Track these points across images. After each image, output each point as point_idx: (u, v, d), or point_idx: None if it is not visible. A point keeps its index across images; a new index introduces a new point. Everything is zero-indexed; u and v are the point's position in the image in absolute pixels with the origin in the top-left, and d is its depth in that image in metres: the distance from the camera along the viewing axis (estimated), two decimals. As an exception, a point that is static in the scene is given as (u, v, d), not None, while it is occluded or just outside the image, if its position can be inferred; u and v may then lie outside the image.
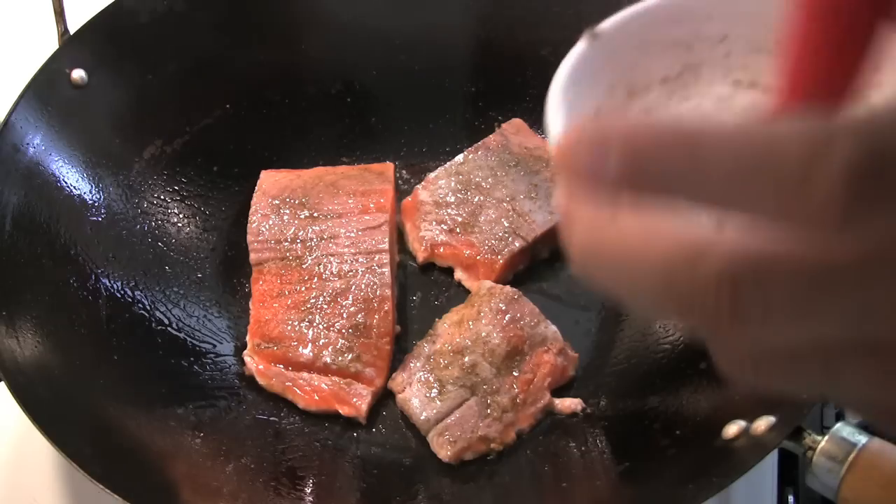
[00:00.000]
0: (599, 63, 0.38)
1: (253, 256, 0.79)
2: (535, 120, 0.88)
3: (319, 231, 0.80)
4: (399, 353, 0.77)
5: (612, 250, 0.28)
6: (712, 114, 0.40)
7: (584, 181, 0.28)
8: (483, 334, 0.73)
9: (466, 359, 0.72)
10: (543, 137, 0.87)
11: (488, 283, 0.77)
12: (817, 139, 0.24)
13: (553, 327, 0.75)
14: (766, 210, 0.25)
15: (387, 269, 0.77)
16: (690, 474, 0.62)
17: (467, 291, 0.80)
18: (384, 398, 0.75)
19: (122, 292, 0.76)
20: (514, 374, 0.72)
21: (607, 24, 0.38)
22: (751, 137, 0.25)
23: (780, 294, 0.26)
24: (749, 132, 0.25)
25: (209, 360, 0.76)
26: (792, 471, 0.72)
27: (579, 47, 0.38)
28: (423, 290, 0.82)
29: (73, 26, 0.80)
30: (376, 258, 0.78)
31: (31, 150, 0.75)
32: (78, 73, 0.78)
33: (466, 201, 0.82)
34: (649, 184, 0.27)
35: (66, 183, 0.76)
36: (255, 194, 0.83)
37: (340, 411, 0.73)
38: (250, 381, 0.75)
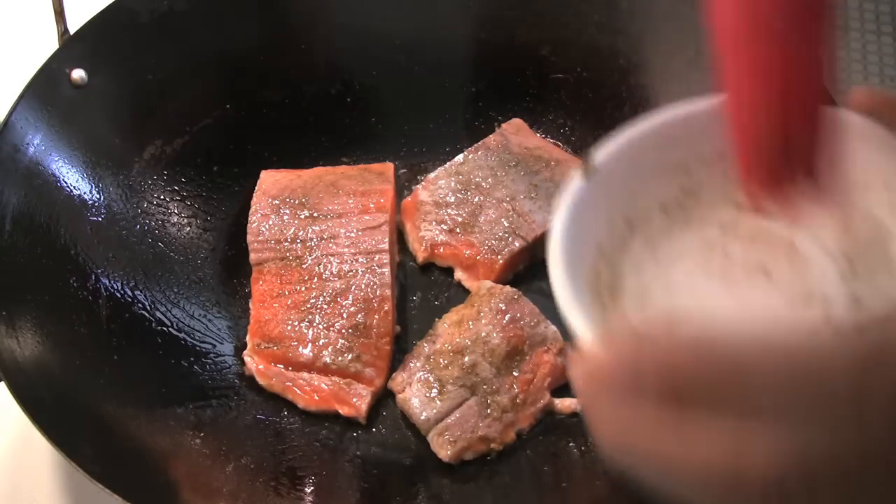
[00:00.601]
0: (597, 197, 0.37)
1: (253, 256, 0.80)
2: (535, 120, 0.88)
3: (319, 231, 0.80)
4: (399, 353, 0.77)
5: (646, 450, 0.27)
6: (745, 299, 0.37)
7: (618, 396, 0.27)
8: (483, 334, 0.73)
9: (466, 359, 0.72)
10: (544, 137, 0.87)
11: (488, 283, 0.77)
12: (864, 359, 0.25)
13: (553, 327, 0.75)
14: (813, 425, 0.25)
15: (387, 269, 0.77)
16: (690, 474, 0.62)
17: (467, 291, 0.80)
18: (384, 398, 0.75)
19: (122, 292, 0.76)
20: (514, 374, 0.72)
21: (602, 154, 0.37)
22: (794, 353, 0.25)
23: (828, 496, 0.25)
24: (791, 347, 0.25)
25: (209, 360, 0.76)
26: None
27: (576, 184, 0.36)
28: (423, 290, 0.82)
29: (73, 26, 0.80)
30: (376, 258, 0.78)
31: (31, 150, 0.75)
32: (78, 73, 0.78)
33: (466, 201, 0.82)
34: (689, 401, 0.26)
35: (66, 183, 0.76)
36: (255, 194, 0.83)
37: (340, 411, 0.73)
38: (250, 381, 0.75)
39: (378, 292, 0.76)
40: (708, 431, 0.26)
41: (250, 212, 0.82)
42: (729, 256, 0.37)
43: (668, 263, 0.38)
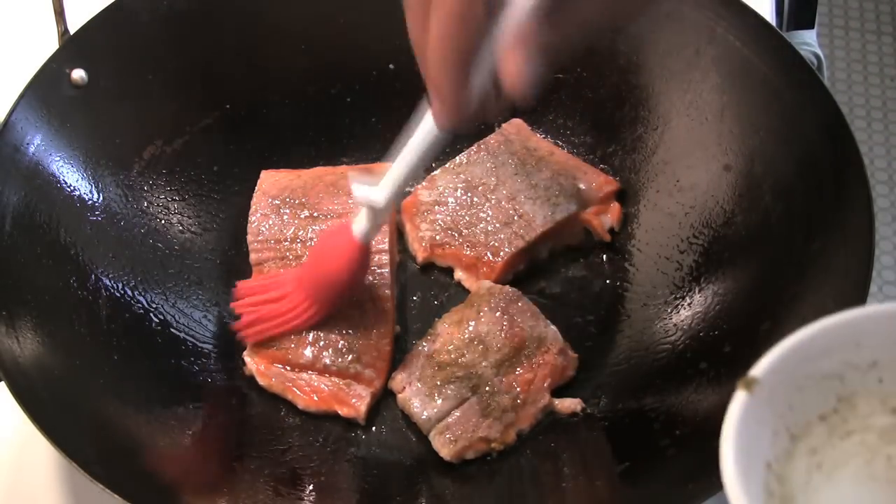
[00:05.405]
0: (762, 411, 0.38)
1: (253, 256, 0.80)
2: (535, 120, 0.88)
3: (319, 231, 0.80)
4: (399, 353, 0.77)
5: None
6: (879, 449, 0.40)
7: None
8: (483, 334, 0.73)
9: (466, 358, 0.72)
10: (544, 137, 0.87)
11: (488, 283, 0.77)
12: None
13: (553, 327, 0.75)
14: None
15: (387, 269, 0.77)
16: (690, 474, 0.62)
17: (467, 291, 0.80)
18: (384, 398, 0.75)
19: (122, 292, 0.76)
20: (514, 374, 0.72)
21: (761, 368, 0.38)
22: None
23: None
24: None
25: (209, 360, 0.76)
26: (792, 471, 0.72)
27: (739, 402, 0.38)
28: (423, 290, 0.82)
29: (73, 26, 0.80)
30: (376, 258, 0.78)
31: (31, 150, 0.75)
32: (78, 73, 0.78)
33: (466, 201, 0.82)
34: None
35: (66, 183, 0.76)
36: (255, 194, 0.83)
37: (339, 412, 0.73)
38: (250, 381, 0.75)
39: (378, 292, 0.76)
40: None
41: (250, 212, 0.82)
42: (891, 460, 0.40)
43: (832, 469, 0.40)
